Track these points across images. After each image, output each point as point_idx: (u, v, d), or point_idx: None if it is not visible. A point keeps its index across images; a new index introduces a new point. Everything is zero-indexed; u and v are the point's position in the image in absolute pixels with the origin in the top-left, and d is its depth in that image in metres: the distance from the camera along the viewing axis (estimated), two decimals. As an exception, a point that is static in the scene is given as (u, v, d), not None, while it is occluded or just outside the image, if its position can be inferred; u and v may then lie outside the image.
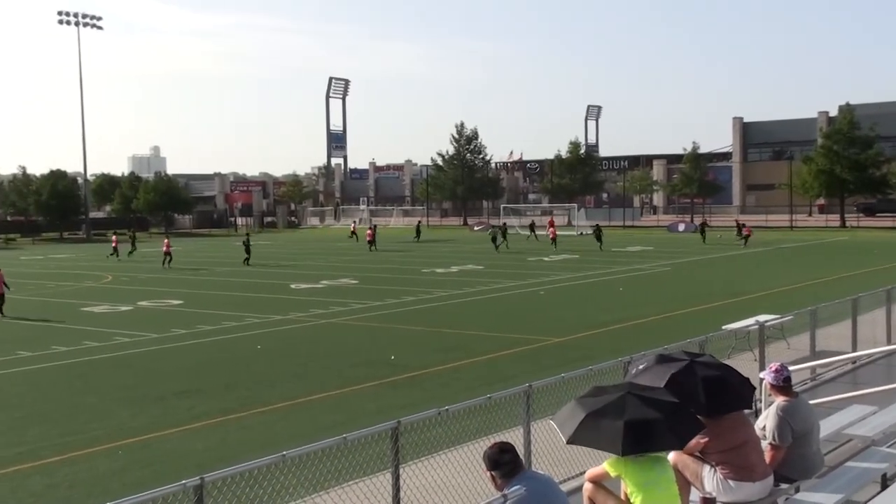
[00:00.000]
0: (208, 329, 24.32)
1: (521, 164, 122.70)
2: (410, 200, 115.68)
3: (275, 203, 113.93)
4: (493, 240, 53.12)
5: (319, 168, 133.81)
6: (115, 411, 15.53)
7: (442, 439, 10.20)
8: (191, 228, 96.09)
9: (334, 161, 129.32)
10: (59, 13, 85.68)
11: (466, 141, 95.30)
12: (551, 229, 56.91)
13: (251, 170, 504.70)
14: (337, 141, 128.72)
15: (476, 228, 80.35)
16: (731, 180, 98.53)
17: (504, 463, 5.86)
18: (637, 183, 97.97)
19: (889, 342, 16.44)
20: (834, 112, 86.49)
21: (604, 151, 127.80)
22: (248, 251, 46.53)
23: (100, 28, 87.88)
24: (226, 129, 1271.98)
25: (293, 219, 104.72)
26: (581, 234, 67.58)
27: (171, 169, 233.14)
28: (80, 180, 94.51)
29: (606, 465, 6.30)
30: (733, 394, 7.24)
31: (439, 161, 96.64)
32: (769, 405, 8.09)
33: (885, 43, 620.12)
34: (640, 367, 7.54)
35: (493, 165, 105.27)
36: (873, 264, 38.81)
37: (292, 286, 34.96)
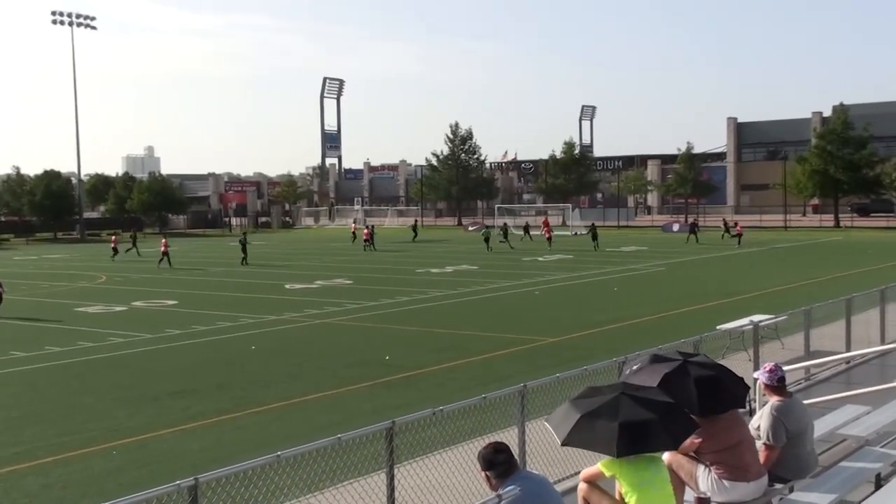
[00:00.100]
0: (203, 329, 24.30)
1: (515, 165, 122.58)
2: (405, 201, 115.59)
3: (269, 203, 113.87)
4: (486, 240, 53.11)
5: (314, 168, 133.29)
6: (111, 411, 15.53)
7: (437, 439, 10.20)
8: (185, 229, 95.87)
9: (329, 161, 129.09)
10: (53, 13, 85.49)
11: (461, 141, 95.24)
12: (546, 229, 57.06)
13: (246, 170, 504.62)
14: (331, 141, 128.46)
15: (470, 229, 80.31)
16: (726, 180, 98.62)
17: (499, 463, 5.86)
18: (631, 183, 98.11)
19: (883, 342, 16.43)
20: (828, 112, 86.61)
21: (598, 151, 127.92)
22: (244, 251, 46.43)
23: (94, 28, 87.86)
24: (220, 129, 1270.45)
25: (287, 219, 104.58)
26: (576, 234, 67.60)
27: (166, 169, 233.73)
28: (73, 180, 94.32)
29: (601, 465, 6.31)
30: (727, 394, 7.24)
31: (434, 161, 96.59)
32: (763, 405, 8.11)
33: (878, 43, 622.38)
34: (635, 367, 7.55)
35: (487, 166, 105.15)
36: (867, 264, 38.92)
37: (287, 286, 34.94)
